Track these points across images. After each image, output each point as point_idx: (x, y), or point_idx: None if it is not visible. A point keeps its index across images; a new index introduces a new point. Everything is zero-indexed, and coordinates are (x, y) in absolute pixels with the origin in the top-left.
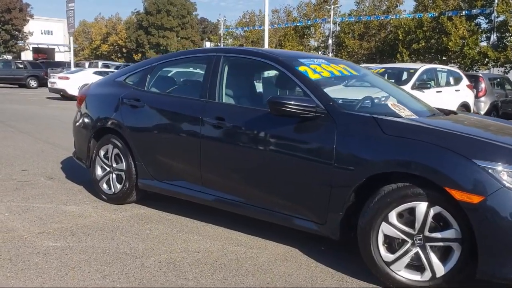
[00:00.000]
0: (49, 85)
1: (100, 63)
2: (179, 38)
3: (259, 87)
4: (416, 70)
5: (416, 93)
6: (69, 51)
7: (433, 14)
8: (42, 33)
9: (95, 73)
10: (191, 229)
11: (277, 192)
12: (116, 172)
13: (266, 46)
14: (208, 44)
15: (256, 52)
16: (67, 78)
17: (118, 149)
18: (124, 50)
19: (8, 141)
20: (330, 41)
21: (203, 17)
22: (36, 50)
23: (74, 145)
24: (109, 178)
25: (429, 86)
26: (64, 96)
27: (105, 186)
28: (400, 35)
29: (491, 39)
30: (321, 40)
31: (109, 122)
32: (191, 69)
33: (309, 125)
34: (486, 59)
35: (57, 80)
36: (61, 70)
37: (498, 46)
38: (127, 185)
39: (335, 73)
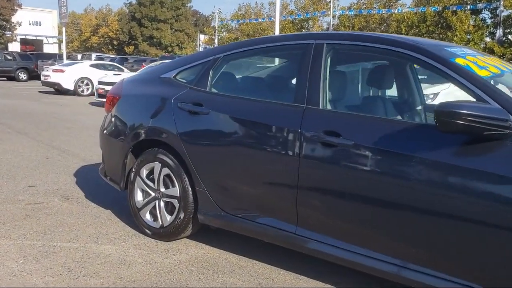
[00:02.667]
0: (42, 78)
1: (93, 55)
2: (173, 31)
3: (387, 87)
4: None
5: (456, 89)
6: (59, 43)
7: (437, 8)
8: (30, 24)
9: (92, 65)
10: (281, 285)
11: (438, 246)
12: (166, 199)
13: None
14: (202, 37)
15: (383, 38)
16: (62, 71)
17: (169, 168)
18: (115, 42)
19: (6, 145)
20: None
21: (195, 9)
22: (24, 41)
23: (102, 159)
24: (154, 206)
25: None
26: (59, 90)
27: (148, 216)
28: (403, 29)
29: (497, 35)
30: None
31: (156, 133)
32: (274, 63)
33: (493, 148)
34: (492, 55)
35: (51, 73)
36: (52, 62)
37: (504, 42)
38: (181, 217)
39: (502, 68)
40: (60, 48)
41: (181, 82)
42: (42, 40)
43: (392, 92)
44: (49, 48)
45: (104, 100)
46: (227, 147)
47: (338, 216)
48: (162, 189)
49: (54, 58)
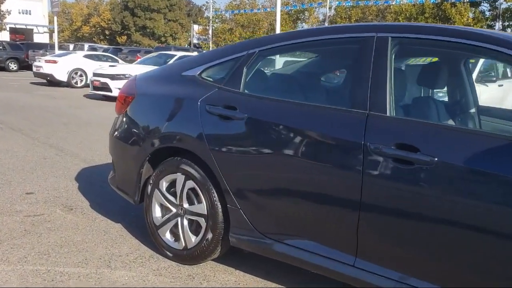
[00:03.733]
0: (34, 69)
1: (86, 45)
2: (166, 21)
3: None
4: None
5: (478, 87)
6: (50, 32)
7: (435, 0)
8: (19, 13)
9: (86, 56)
10: None
11: None
12: (190, 217)
13: (278, 30)
14: (196, 28)
15: (464, 32)
16: (54, 62)
17: (194, 181)
18: (107, 32)
19: (0, 143)
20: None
21: None
22: (14, 31)
23: (112, 167)
24: (176, 224)
25: (494, 79)
26: (51, 81)
27: (168, 236)
28: (401, 21)
29: (496, 27)
30: (316, 25)
31: (179, 140)
32: (322, 59)
33: None
34: None
35: (43, 64)
36: (44, 52)
37: None
38: (209, 239)
39: None
40: (51, 37)
41: (208, 81)
42: (32, 30)
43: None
44: (39, 37)
45: (100, 92)
46: (268, 159)
47: (412, 249)
48: (186, 205)
49: (46, 48)
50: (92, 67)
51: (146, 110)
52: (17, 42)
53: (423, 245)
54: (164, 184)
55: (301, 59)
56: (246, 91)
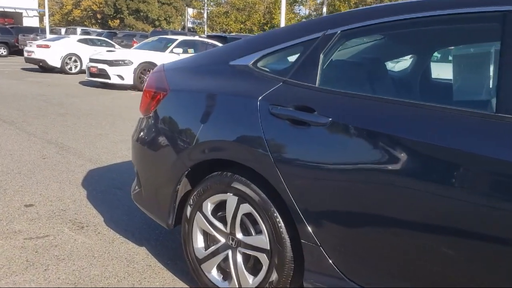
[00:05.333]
0: (25, 54)
1: (78, 29)
2: (160, 4)
3: None
4: None
5: None
6: (40, 16)
7: None
8: None
9: (80, 41)
10: None
11: None
12: (245, 250)
13: (283, 17)
14: (190, 11)
15: None
16: (47, 46)
17: (251, 205)
18: (98, 16)
19: None
20: (324, 9)
21: None
22: (2, 14)
23: (136, 179)
24: (225, 259)
25: None
26: (44, 67)
27: (215, 273)
28: None
29: None
30: (313, 8)
31: (232, 151)
32: (439, 43)
33: None
34: None
35: (35, 49)
36: (35, 36)
37: None
38: (273, 281)
39: None
40: (41, 21)
41: (266, 72)
42: (21, 13)
43: None
44: (29, 21)
45: (98, 79)
46: (366, 179)
47: None
48: (239, 235)
49: (36, 32)
50: (87, 52)
51: (184, 111)
52: (6, 26)
53: None
54: (209, 206)
55: None
56: (324, 86)
